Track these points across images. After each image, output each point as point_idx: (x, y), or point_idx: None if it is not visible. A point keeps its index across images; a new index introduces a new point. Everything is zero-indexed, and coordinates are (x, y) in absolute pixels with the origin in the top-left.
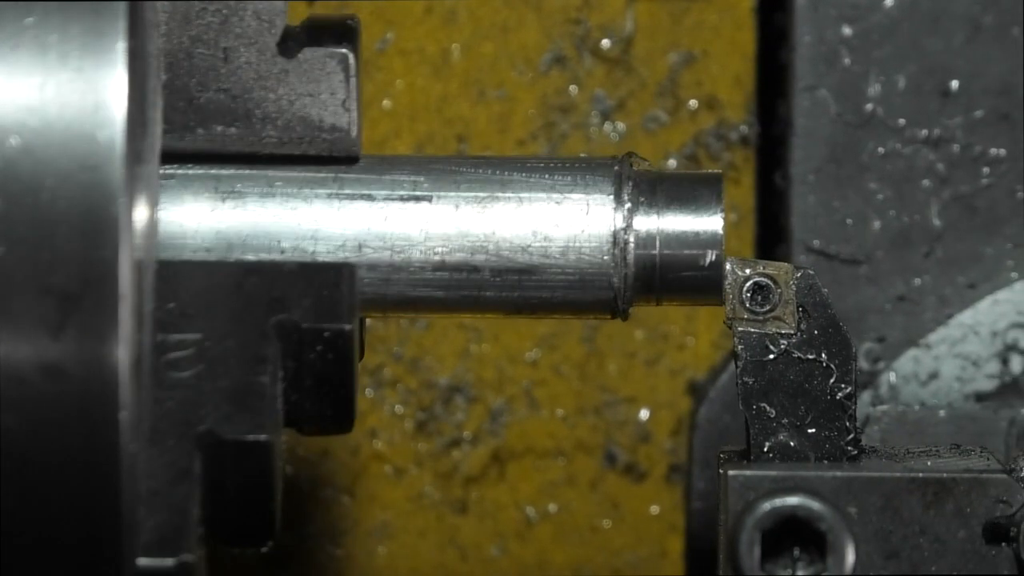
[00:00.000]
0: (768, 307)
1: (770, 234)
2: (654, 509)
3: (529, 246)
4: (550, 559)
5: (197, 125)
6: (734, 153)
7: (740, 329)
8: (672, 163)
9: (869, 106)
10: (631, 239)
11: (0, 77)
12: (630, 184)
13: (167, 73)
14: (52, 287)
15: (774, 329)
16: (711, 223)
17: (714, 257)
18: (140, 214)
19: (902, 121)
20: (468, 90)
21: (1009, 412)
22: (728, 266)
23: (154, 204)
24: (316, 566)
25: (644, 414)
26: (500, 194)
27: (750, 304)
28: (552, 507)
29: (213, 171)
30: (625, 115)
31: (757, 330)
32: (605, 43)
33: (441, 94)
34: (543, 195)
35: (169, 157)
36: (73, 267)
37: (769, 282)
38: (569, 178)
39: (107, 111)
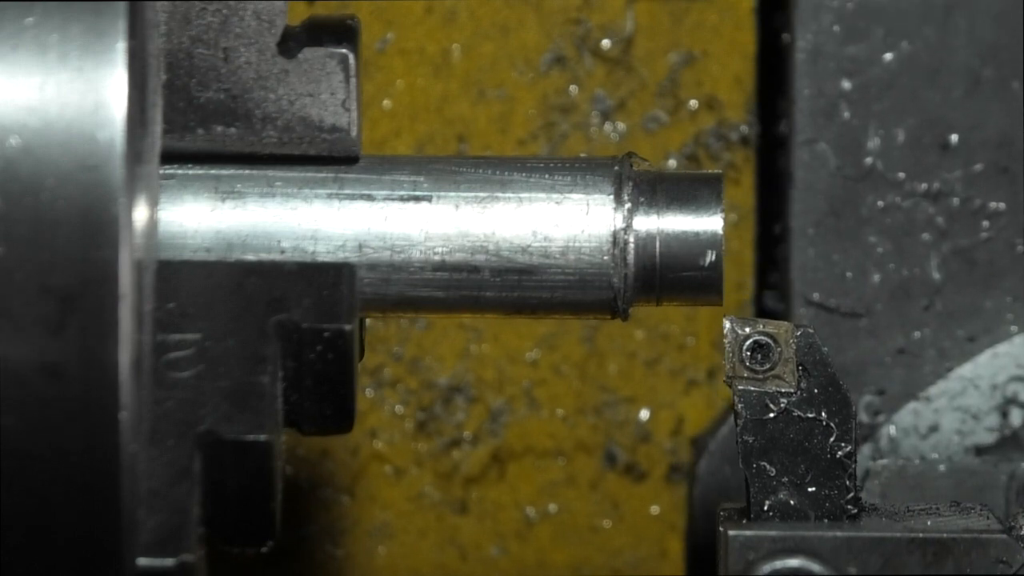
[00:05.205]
0: (768, 365)
1: (770, 234)
2: (654, 509)
3: (529, 246)
4: (550, 559)
5: (197, 125)
6: (734, 153)
7: (740, 387)
8: (672, 163)
9: (868, 159)
10: (631, 239)
11: (0, 77)
12: (630, 184)
13: (167, 73)
14: (52, 287)
15: (774, 387)
16: (711, 223)
17: (714, 257)
18: (140, 214)
19: (901, 174)
20: (468, 90)
21: (1009, 466)
22: (728, 324)
23: (154, 204)
24: (316, 566)
25: (644, 414)
26: (500, 194)
27: (750, 362)
28: (552, 507)
29: (213, 171)
30: (625, 115)
31: (757, 388)
32: (605, 43)
33: (441, 94)
34: (543, 195)
35: (169, 157)
36: (73, 267)
37: (769, 340)
38: (569, 178)
39: (107, 111)
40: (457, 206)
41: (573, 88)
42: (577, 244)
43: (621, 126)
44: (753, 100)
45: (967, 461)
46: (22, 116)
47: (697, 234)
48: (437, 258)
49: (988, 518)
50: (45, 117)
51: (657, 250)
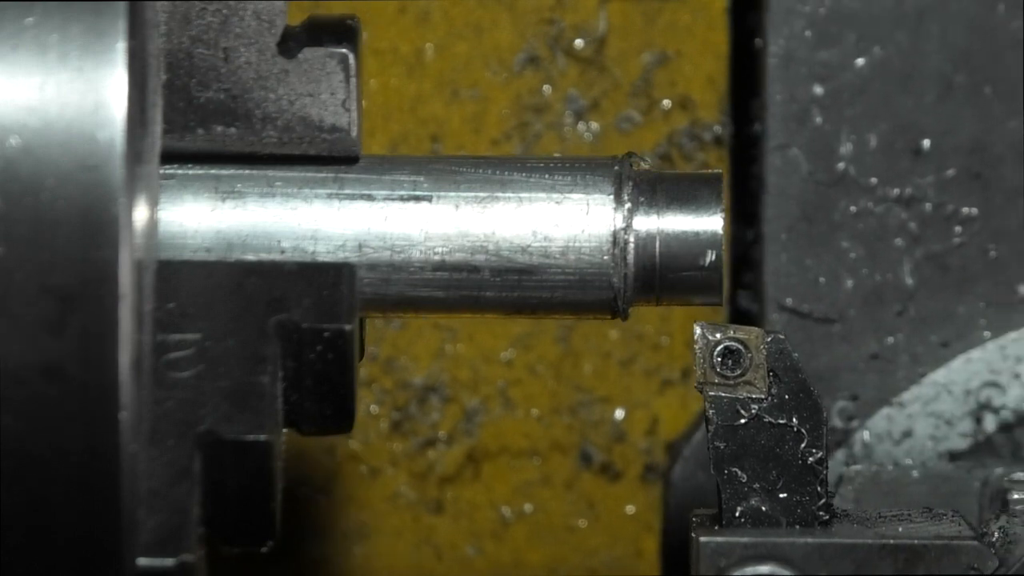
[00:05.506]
0: (739, 371)
1: (744, 234)
2: (629, 509)
3: (529, 246)
4: (525, 559)
5: (197, 125)
6: (707, 153)
7: (711, 394)
8: None
9: (841, 165)
10: (631, 239)
11: (0, 77)
12: (630, 184)
13: (167, 73)
14: (52, 287)
15: (745, 394)
16: (711, 223)
17: (714, 257)
18: (140, 214)
19: (874, 180)
20: (442, 90)
21: (982, 472)
22: (698, 330)
23: (154, 204)
24: (292, 566)
25: (619, 414)
26: (500, 194)
27: (721, 368)
28: (527, 507)
29: (213, 171)
30: (599, 115)
31: (728, 395)
32: (578, 43)
33: (415, 94)
34: (543, 195)
35: (169, 157)
36: (73, 267)
37: (740, 346)
38: (569, 178)
39: (107, 111)
40: (457, 206)
41: (547, 88)
42: (577, 244)
43: (595, 126)
44: (726, 100)
45: (941, 467)
46: (22, 116)
47: (697, 234)
48: (437, 258)
49: (960, 524)
50: (45, 117)
51: (657, 250)
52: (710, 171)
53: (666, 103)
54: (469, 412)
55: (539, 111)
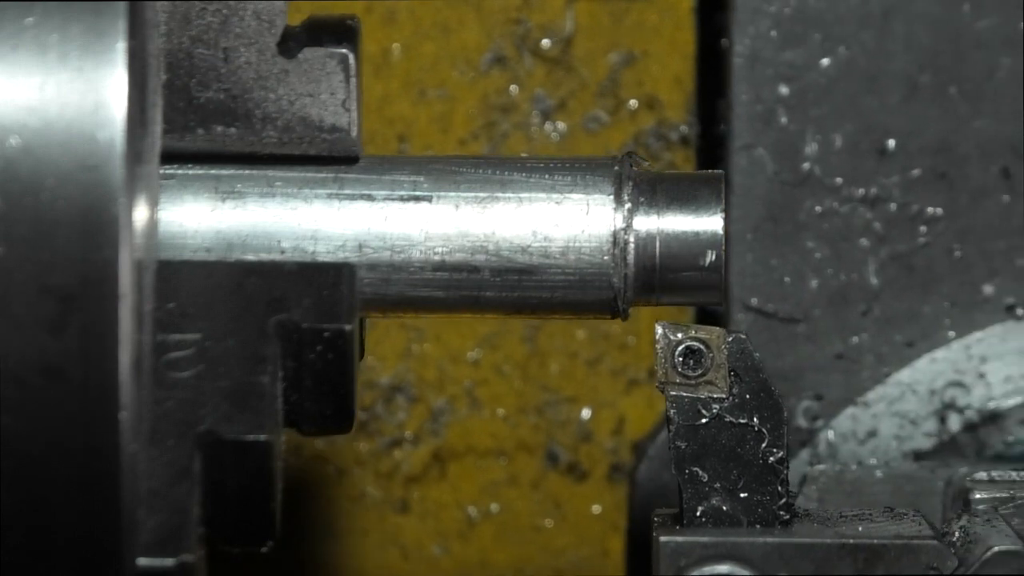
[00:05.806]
0: (700, 371)
1: None
2: (596, 509)
3: (529, 246)
4: (492, 559)
5: (197, 125)
6: (674, 153)
7: (672, 393)
8: None
9: (806, 165)
10: (631, 239)
11: (0, 77)
12: (630, 184)
13: (167, 73)
14: (52, 287)
15: (706, 393)
16: (711, 223)
17: (714, 257)
18: (140, 214)
19: (839, 180)
20: (409, 90)
21: (946, 472)
22: (660, 330)
23: (154, 204)
24: (257, 566)
25: (586, 414)
26: (500, 194)
27: (682, 368)
28: (494, 507)
29: (213, 171)
30: (566, 115)
31: (689, 394)
32: (545, 43)
33: (382, 94)
34: (543, 195)
35: (169, 157)
36: (73, 267)
37: (701, 346)
38: (569, 178)
39: (107, 111)
40: (457, 206)
41: (514, 88)
42: (577, 244)
43: (562, 126)
44: (693, 100)
45: (905, 467)
46: (22, 116)
47: (697, 234)
48: (437, 258)
49: (920, 524)
50: (45, 117)
51: (657, 250)
52: (710, 171)
53: (633, 103)
54: (435, 412)
55: (506, 111)
